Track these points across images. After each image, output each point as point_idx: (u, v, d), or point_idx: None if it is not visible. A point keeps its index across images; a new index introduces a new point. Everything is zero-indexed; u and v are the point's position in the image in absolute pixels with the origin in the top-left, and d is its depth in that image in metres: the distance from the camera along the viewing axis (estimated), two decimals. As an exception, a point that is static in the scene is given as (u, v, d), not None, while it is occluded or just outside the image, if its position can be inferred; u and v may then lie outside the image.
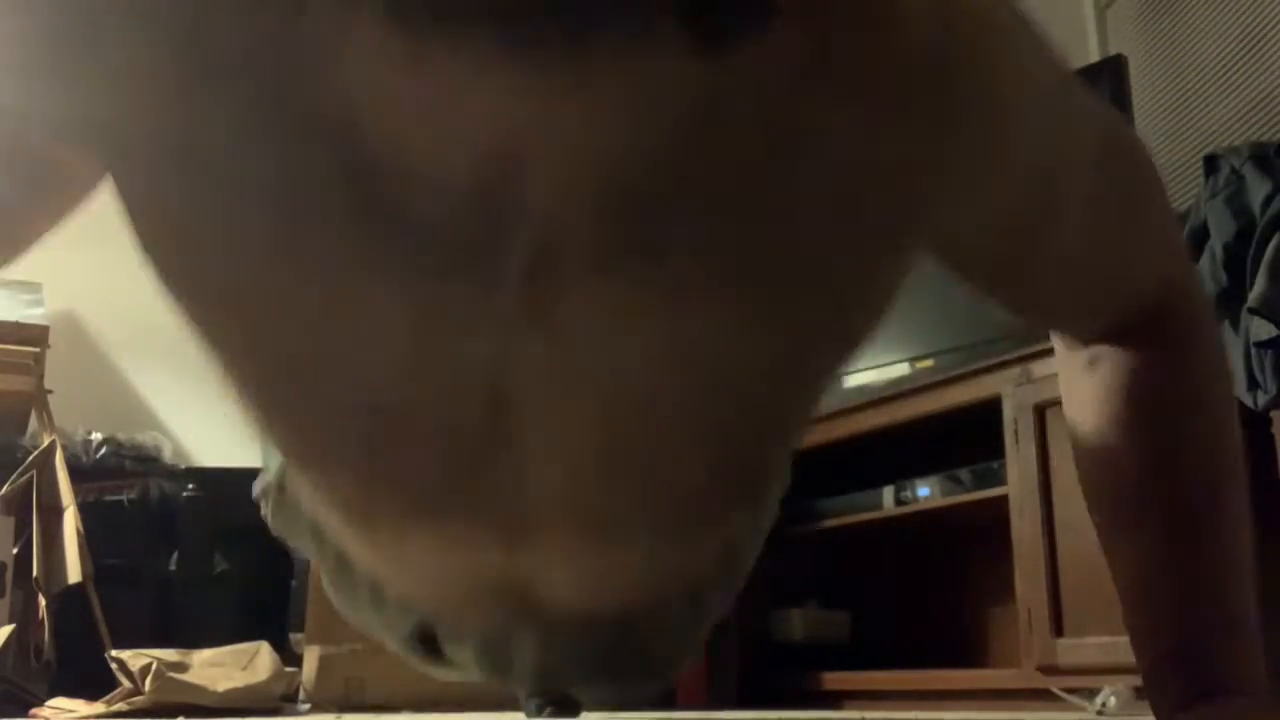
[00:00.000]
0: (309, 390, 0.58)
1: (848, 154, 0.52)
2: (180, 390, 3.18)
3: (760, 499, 0.80)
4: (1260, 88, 2.84)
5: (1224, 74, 2.97)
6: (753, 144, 0.50)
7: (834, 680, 2.74)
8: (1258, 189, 1.52)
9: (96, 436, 3.17)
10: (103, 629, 2.64)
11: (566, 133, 0.46)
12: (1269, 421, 1.61)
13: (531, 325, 0.52)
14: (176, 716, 1.98)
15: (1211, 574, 0.67)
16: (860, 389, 2.90)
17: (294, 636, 2.65)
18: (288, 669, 2.31)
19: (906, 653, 2.86)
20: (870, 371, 2.93)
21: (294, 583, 2.84)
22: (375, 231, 0.50)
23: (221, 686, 2.13)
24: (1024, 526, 2.35)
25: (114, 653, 2.17)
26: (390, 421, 0.57)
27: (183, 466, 3.23)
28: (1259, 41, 2.85)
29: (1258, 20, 2.86)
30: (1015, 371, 2.41)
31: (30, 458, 2.78)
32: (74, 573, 2.59)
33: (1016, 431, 2.38)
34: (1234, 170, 1.58)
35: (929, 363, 2.80)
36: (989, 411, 2.44)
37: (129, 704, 2.08)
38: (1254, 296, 1.46)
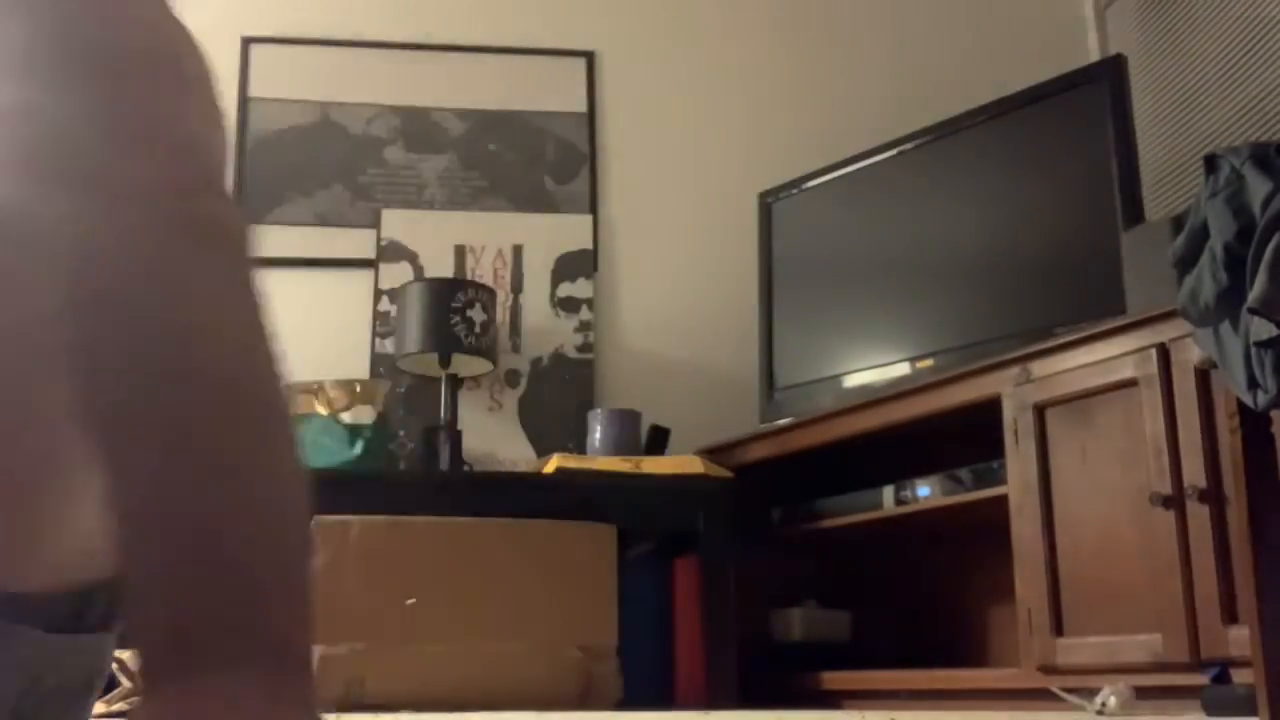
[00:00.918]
0: None
1: None
2: (180, 390, 3.18)
3: None
4: (1260, 88, 2.84)
5: (1224, 74, 2.97)
6: None
7: (834, 680, 2.74)
8: (1258, 189, 1.52)
9: (96, 436, 3.17)
10: (102, 629, 2.64)
11: None
12: (1269, 421, 1.61)
13: None
14: (176, 716, 1.98)
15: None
16: (860, 389, 2.90)
17: (294, 636, 2.65)
18: (288, 669, 2.31)
19: (906, 653, 2.86)
20: (870, 371, 2.93)
21: (294, 583, 2.84)
22: None
23: (221, 686, 2.12)
24: (1024, 526, 2.35)
25: (114, 653, 2.16)
26: None
27: (183, 466, 3.23)
28: (1259, 41, 2.85)
29: (1258, 20, 2.86)
30: (1015, 371, 2.41)
31: (30, 458, 2.78)
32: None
33: (1016, 431, 2.38)
34: (1234, 170, 1.58)
35: (929, 363, 2.80)
36: (989, 411, 2.45)
37: (129, 704, 2.08)
38: (1254, 296, 1.46)
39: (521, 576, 2.55)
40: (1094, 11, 3.60)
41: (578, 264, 3.44)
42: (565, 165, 3.51)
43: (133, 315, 0.55)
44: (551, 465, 2.85)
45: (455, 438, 3.05)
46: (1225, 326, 1.59)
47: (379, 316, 3.32)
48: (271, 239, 3.37)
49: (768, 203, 3.30)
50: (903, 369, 2.86)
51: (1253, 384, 1.53)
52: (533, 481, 2.88)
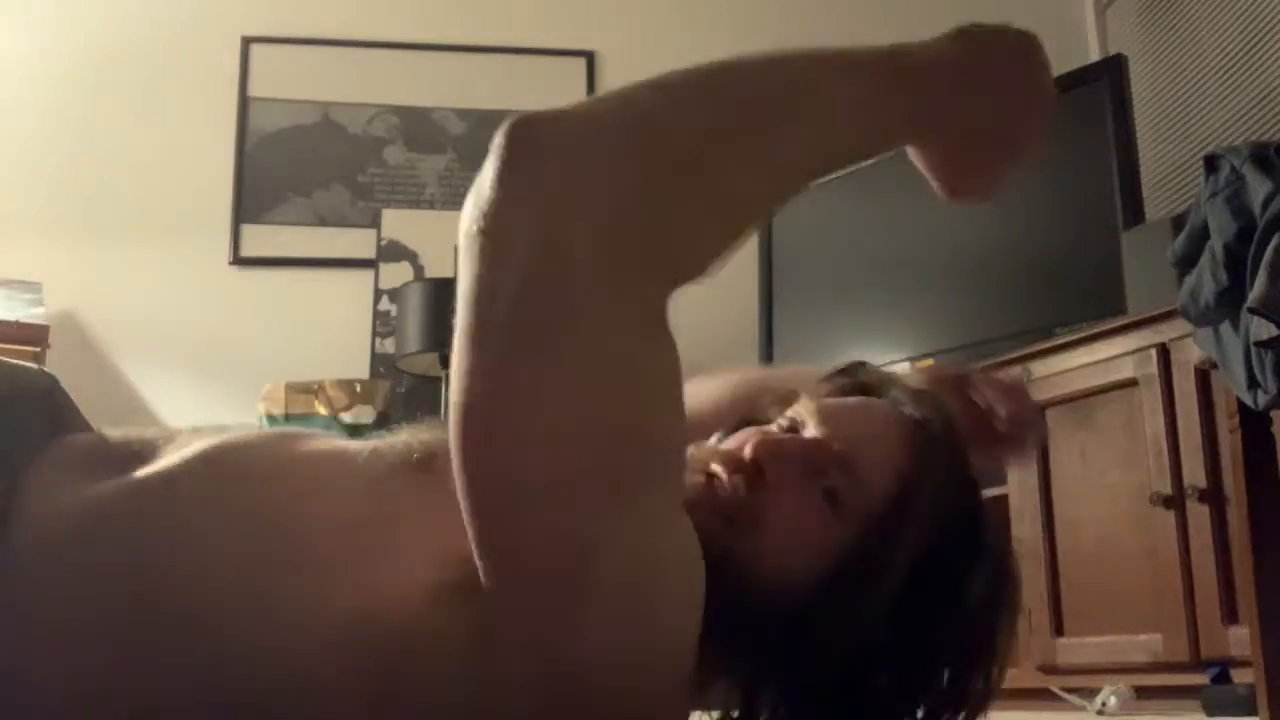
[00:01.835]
0: None
1: None
2: (180, 390, 3.18)
3: None
4: (1260, 88, 2.84)
5: (1224, 74, 2.97)
6: None
7: (834, 680, 2.74)
8: (1258, 189, 1.52)
9: (96, 436, 3.17)
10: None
11: None
12: (1269, 421, 1.61)
13: None
14: (176, 716, 1.98)
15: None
16: (860, 389, 2.90)
17: (294, 636, 2.65)
18: (288, 669, 2.31)
19: (906, 653, 2.86)
20: (870, 371, 2.93)
21: (294, 583, 2.84)
22: None
23: (221, 686, 2.12)
24: (1024, 527, 2.35)
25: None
26: None
27: (183, 466, 3.23)
28: (1259, 41, 2.85)
29: (1258, 20, 2.86)
30: (1015, 372, 2.41)
31: (30, 458, 2.78)
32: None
33: (1016, 431, 2.38)
34: (1234, 170, 1.58)
35: (929, 363, 2.80)
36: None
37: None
38: (1254, 296, 1.45)
39: (521, 576, 2.55)
40: (1094, 11, 3.60)
41: (578, 264, 3.43)
42: (565, 165, 3.51)
43: None
44: (551, 465, 2.84)
45: (455, 438, 3.05)
46: (1225, 326, 1.59)
47: (379, 316, 3.32)
48: (272, 239, 3.37)
49: (768, 203, 3.30)
50: (903, 369, 2.86)
51: (1253, 384, 1.53)
52: (533, 481, 2.87)
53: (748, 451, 0.77)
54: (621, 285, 0.60)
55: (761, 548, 0.73)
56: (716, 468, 0.76)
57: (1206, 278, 1.58)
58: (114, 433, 0.83)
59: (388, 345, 3.28)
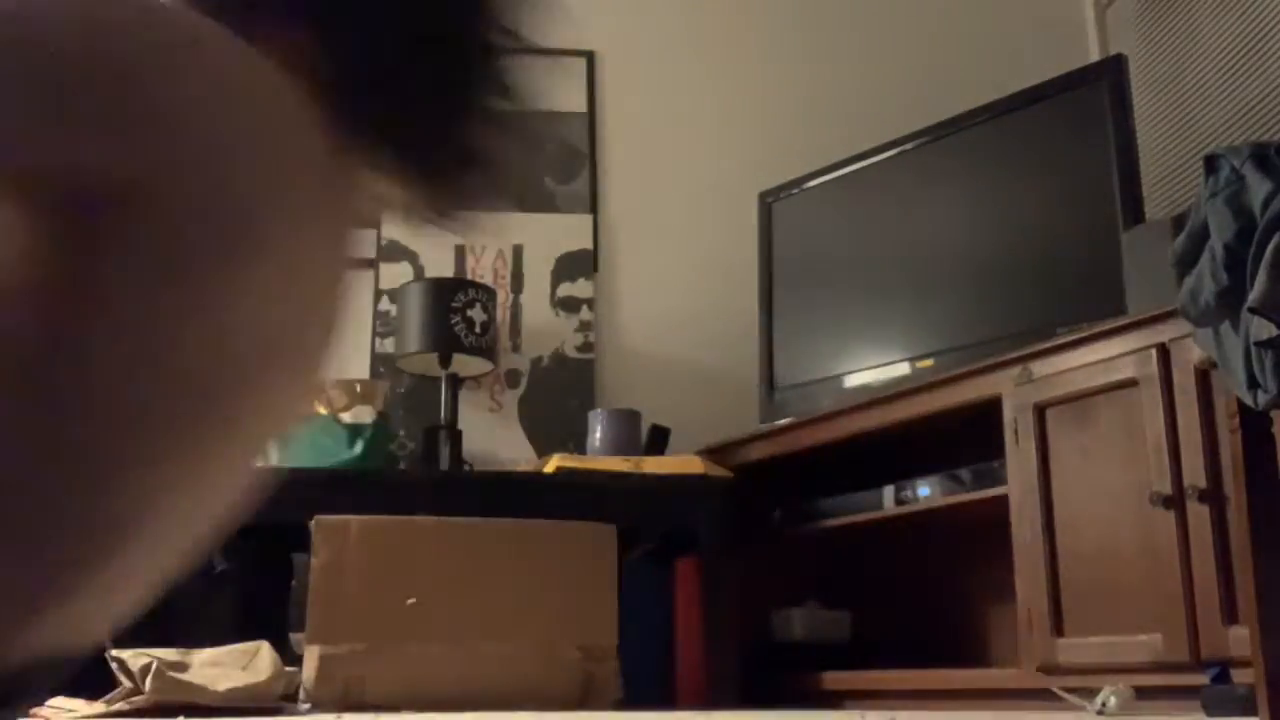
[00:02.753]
0: None
1: None
2: (180, 390, 3.18)
3: None
4: (1260, 88, 2.84)
5: (1224, 74, 2.97)
6: None
7: (834, 680, 2.74)
8: (1258, 189, 1.52)
9: (96, 436, 3.17)
10: (103, 629, 2.63)
11: None
12: (1269, 421, 1.60)
13: None
14: (176, 716, 1.98)
15: None
16: (860, 389, 2.90)
17: (294, 636, 2.65)
18: (288, 669, 2.31)
19: (906, 653, 2.86)
20: (870, 371, 2.93)
21: (294, 583, 2.84)
22: None
23: (221, 686, 2.12)
24: (1024, 526, 2.35)
25: (114, 652, 2.16)
26: None
27: (183, 466, 3.23)
28: (1259, 41, 2.85)
29: (1258, 20, 2.86)
30: (1015, 371, 2.41)
31: (30, 458, 2.77)
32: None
33: (1016, 431, 2.38)
34: (1234, 170, 1.58)
35: (929, 363, 2.80)
36: (989, 411, 2.45)
37: (129, 704, 2.08)
38: (1254, 296, 1.45)
39: (521, 576, 2.55)
40: (1094, 11, 3.60)
41: (578, 264, 3.44)
42: (565, 165, 3.51)
43: None
44: (551, 465, 2.85)
45: (455, 438, 3.05)
46: (1225, 326, 1.59)
47: (379, 316, 3.32)
48: (271, 239, 3.37)
49: (768, 203, 3.30)
50: (903, 369, 2.86)
51: (1253, 384, 1.53)
52: (533, 481, 2.88)
53: None
54: None
55: None
56: None
57: (1206, 278, 1.58)
58: None
59: (388, 345, 3.28)
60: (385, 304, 3.32)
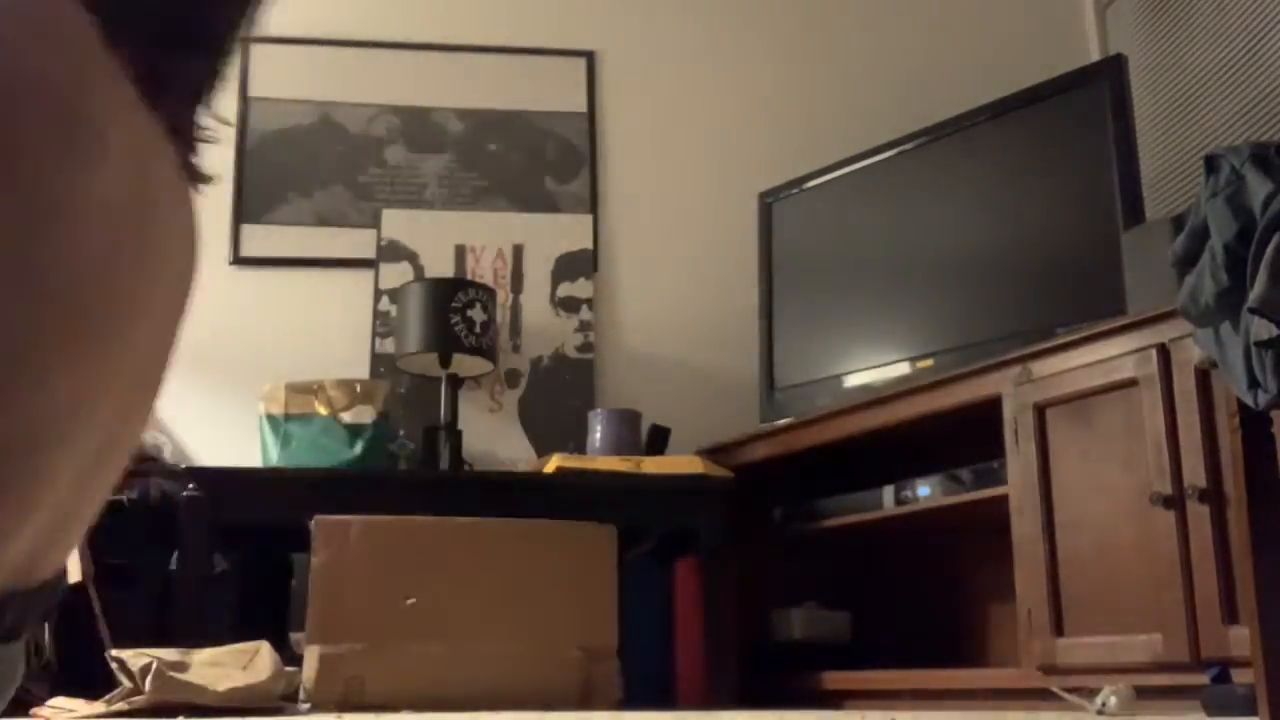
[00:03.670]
0: None
1: None
2: (180, 390, 3.18)
3: None
4: (1260, 88, 2.84)
5: (1224, 74, 2.97)
6: None
7: (834, 680, 2.74)
8: (1258, 189, 1.52)
9: (96, 436, 3.16)
10: (103, 628, 2.64)
11: None
12: (1269, 421, 1.61)
13: None
14: (176, 716, 1.98)
15: None
16: (860, 389, 2.90)
17: (294, 636, 2.65)
18: (288, 669, 2.31)
19: (906, 653, 2.86)
20: (870, 371, 2.93)
21: (294, 583, 2.84)
22: None
23: (221, 686, 2.12)
24: (1024, 526, 2.35)
25: (114, 652, 2.16)
26: None
27: (183, 466, 3.23)
28: (1259, 41, 2.85)
29: (1258, 20, 2.86)
30: (1015, 371, 2.41)
31: (30, 457, 2.77)
32: (74, 572, 2.59)
33: (1016, 431, 2.38)
34: (1234, 170, 1.58)
35: (929, 363, 2.80)
36: (989, 411, 2.45)
37: (129, 703, 2.08)
38: (1254, 296, 1.45)
39: (522, 576, 2.55)
40: (1094, 11, 3.60)
41: (578, 264, 3.44)
42: (565, 165, 3.51)
43: None
44: (551, 465, 2.85)
45: (455, 438, 3.05)
46: (1225, 326, 1.59)
47: (379, 316, 3.32)
48: (271, 239, 3.37)
49: (768, 203, 3.30)
50: (903, 369, 2.86)
51: (1253, 384, 1.53)
52: (533, 481, 2.88)
53: None
54: None
55: None
56: None
57: (1206, 278, 1.58)
58: None
59: (388, 345, 3.28)
60: (385, 304, 3.32)
